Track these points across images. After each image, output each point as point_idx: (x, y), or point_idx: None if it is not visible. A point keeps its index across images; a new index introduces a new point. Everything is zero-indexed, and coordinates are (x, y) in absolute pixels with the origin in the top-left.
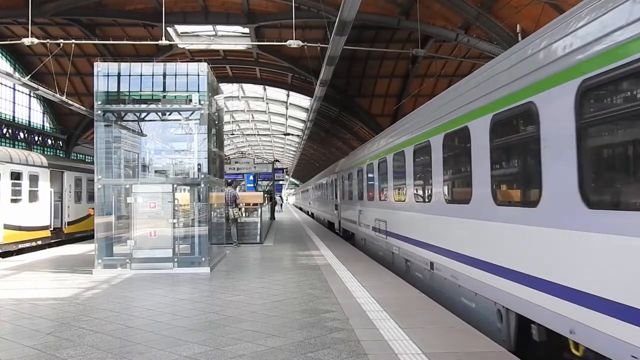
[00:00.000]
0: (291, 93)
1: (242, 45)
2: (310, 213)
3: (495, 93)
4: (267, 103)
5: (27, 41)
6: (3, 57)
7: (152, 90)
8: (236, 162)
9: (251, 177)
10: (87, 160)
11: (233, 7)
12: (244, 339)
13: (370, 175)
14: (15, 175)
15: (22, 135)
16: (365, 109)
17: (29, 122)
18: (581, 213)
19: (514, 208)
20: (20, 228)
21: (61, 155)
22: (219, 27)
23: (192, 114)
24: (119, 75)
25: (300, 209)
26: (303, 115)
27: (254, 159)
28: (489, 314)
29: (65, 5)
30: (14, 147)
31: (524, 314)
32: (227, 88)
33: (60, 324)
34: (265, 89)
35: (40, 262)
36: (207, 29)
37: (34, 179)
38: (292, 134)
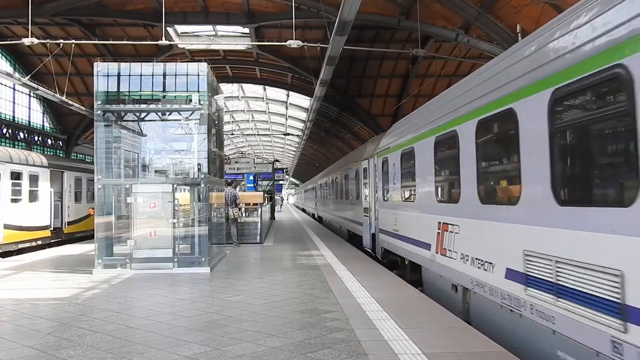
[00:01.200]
0: (291, 93)
1: (242, 45)
2: (317, 217)
3: None
4: (267, 103)
5: (27, 41)
6: (3, 57)
7: (152, 90)
8: (236, 162)
9: (251, 177)
10: (87, 160)
11: (233, 7)
12: (244, 339)
13: (499, 146)
14: (15, 175)
15: (22, 135)
16: (365, 109)
17: (29, 122)
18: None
19: None
20: (20, 228)
21: (61, 155)
22: (219, 27)
23: (192, 114)
24: (118, 75)
25: (304, 210)
26: (303, 115)
27: (254, 159)
28: None
29: (65, 5)
30: (14, 147)
31: None
32: (227, 88)
33: (60, 324)
34: (265, 89)
35: (40, 262)
36: (207, 29)
37: (34, 179)
38: (292, 134)
